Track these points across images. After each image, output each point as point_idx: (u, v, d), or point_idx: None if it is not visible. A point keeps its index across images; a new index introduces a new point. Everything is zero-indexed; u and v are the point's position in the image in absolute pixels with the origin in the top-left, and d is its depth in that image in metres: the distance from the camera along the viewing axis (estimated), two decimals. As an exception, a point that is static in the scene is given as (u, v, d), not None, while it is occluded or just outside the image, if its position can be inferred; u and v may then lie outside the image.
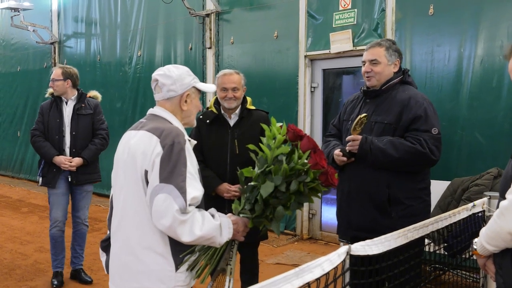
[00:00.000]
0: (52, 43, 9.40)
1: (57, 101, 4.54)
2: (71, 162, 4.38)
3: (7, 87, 10.72)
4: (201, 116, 3.56)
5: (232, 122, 3.47)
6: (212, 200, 3.11)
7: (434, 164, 3.00)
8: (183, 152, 2.00)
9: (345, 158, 2.98)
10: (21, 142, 10.22)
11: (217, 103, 3.52)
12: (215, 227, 2.01)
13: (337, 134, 3.30)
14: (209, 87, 2.32)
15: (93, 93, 4.80)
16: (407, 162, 2.86)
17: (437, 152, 2.90)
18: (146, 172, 2.01)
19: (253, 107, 3.57)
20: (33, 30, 9.24)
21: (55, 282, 4.50)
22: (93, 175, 4.56)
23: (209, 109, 3.55)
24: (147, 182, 2.00)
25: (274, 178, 1.99)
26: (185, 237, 1.94)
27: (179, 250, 2.03)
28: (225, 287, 2.10)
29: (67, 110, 4.52)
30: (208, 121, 3.48)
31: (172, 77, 2.17)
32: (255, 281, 3.46)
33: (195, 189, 1.98)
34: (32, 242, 5.84)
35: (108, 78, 8.44)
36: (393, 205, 2.89)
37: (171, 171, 1.95)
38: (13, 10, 8.91)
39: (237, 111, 3.48)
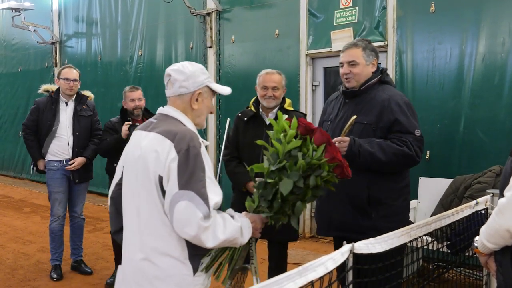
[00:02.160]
0: (53, 43, 9.40)
1: (53, 100, 4.58)
2: (74, 163, 4.57)
3: (8, 87, 10.72)
4: (239, 114, 3.72)
5: (268, 121, 3.53)
6: (243, 195, 3.14)
7: (416, 164, 2.97)
8: (199, 157, 1.94)
9: None
10: (22, 142, 10.19)
11: (256, 102, 3.65)
12: (237, 229, 1.97)
13: None
14: (224, 89, 2.22)
15: (88, 93, 4.89)
16: (393, 164, 2.83)
17: (420, 153, 2.88)
18: (160, 177, 1.95)
19: (291, 108, 3.67)
20: (34, 30, 9.24)
21: (55, 276, 4.60)
22: (90, 173, 4.79)
23: (248, 108, 3.68)
24: (161, 187, 1.95)
25: (290, 175, 1.96)
26: (210, 243, 1.89)
27: (197, 254, 1.99)
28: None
29: (68, 111, 4.61)
30: (245, 118, 3.63)
31: (186, 73, 2.10)
32: None
33: (215, 194, 1.94)
34: (34, 242, 5.84)
35: (109, 77, 8.44)
36: (372, 206, 2.83)
37: (189, 177, 1.89)
38: (14, 11, 8.91)
39: (275, 110, 3.57)
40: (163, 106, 2.17)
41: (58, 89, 4.64)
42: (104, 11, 8.51)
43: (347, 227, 2.90)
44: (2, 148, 10.91)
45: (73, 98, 4.62)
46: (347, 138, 2.76)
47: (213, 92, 2.18)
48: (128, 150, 2.16)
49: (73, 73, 4.56)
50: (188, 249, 1.98)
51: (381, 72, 3.01)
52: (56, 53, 9.44)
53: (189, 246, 1.98)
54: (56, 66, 9.35)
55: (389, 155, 2.77)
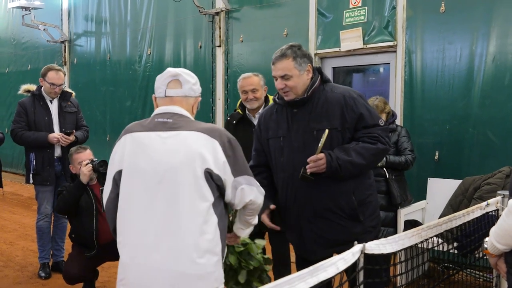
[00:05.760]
0: (62, 42, 9.46)
1: (38, 98, 4.59)
2: (66, 140, 4.47)
3: (18, 85, 10.74)
4: (228, 118, 3.90)
5: (256, 121, 3.61)
6: None
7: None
8: (238, 143, 2.19)
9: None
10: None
11: (242, 105, 3.80)
12: None
13: (262, 162, 2.97)
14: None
15: (69, 90, 4.91)
16: (373, 164, 2.79)
17: (389, 141, 2.80)
18: (211, 172, 2.04)
19: None
20: (44, 29, 9.29)
21: (43, 274, 4.60)
22: None
23: (236, 111, 3.84)
24: (212, 181, 2.04)
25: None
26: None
27: (224, 245, 2.12)
28: None
29: (53, 108, 4.62)
30: (234, 121, 3.79)
31: (195, 78, 2.28)
32: (288, 272, 3.48)
33: None
34: (43, 239, 5.88)
35: (118, 76, 8.48)
36: (360, 208, 2.72)
37: (241, 164, 2.14)
38: (24, 9, 8.98)
39: (260, 110, 3.67)
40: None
41: (39, 87, 4.63)
42: (113, 10, 8.55)
43: (345, 239, 2.68)
44: (12, 146, 10.96)
45: (58, 95, 4.64)
46: (322, 155, 2.59)
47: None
48: (139, 155, 2.10)
49: (61, 78, 4.54)
50: (221, 243, 2.07)
51: (318, 72, 2.83)
52: (65, 51, 9.50)
53: (222, 238, 2.07)
54: (65, 64, 9.41)
55: (369, 157, 2.66)
